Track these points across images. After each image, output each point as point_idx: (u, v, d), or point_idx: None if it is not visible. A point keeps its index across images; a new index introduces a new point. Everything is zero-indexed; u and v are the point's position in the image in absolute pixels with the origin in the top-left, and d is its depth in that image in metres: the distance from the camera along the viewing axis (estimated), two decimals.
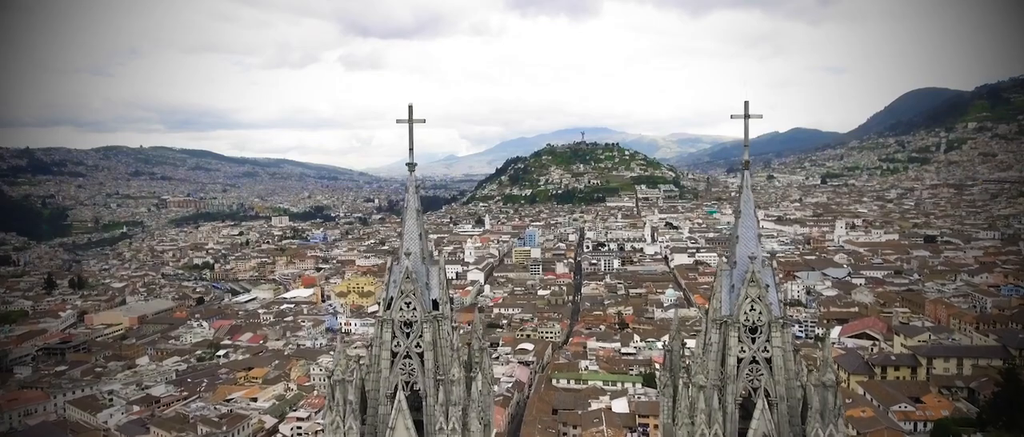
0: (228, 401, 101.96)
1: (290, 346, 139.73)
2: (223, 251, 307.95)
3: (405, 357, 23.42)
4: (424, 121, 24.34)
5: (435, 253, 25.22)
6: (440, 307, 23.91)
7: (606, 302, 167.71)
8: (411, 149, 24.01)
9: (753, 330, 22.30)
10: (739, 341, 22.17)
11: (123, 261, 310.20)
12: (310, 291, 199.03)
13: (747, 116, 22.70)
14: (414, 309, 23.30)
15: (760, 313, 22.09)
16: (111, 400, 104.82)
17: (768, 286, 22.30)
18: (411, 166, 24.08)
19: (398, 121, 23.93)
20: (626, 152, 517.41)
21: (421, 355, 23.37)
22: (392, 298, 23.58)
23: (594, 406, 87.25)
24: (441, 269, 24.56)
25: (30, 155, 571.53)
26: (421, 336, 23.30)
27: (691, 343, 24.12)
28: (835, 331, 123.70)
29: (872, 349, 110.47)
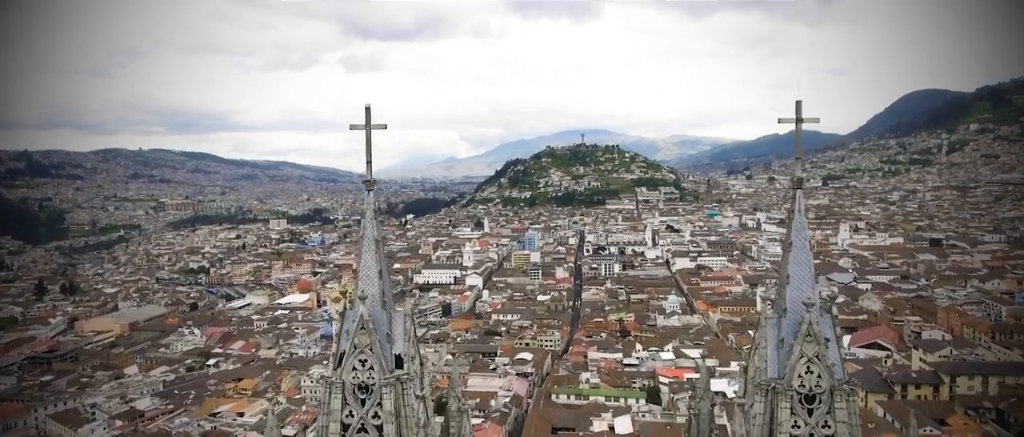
0: (214, 415, 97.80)
1: (282, 355, 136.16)
2: (219, 255, 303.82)
3: (359, 431, 18.07)
4: (385, 126, 18.91)
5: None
6: (405, 365, 18.53)
7: (607, 308, 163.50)
8: (369, 162, 18.39)
9: (810, 398, 17.28)
10: (792, 414, 17.08)
11: (118, 265, 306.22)
12: (306, 296, 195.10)
13: (799, 120, 17.11)
14: (371, 369, 17.91)
15: (819, 376, 16.99)
16: (93, 414, 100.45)
17: (828, 341, 17.20)
18: (368, 184, 18.77)
19: (352, 127, 18.51)
20: (626, 154, 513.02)
21: (380, 428, 18.02)
22: (343, 353, 18.21)
23: (596, 425, 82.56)
24: (408, 316, 19.03)
25: (28, 157, 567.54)
26: (379, 404, 17.92)
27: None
28: (845, 340, 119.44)
29: (886, 361, 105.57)
